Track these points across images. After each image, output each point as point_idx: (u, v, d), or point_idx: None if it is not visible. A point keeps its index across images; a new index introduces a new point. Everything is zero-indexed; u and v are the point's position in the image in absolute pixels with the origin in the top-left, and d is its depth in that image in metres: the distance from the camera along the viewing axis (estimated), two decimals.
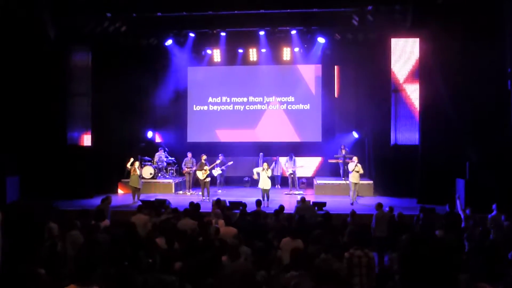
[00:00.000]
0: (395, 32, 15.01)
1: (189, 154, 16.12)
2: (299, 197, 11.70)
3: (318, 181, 16.43)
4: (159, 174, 16.97)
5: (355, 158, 14.09)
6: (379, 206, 10.10)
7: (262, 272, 5.14)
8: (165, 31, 16.48)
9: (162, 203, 11.13)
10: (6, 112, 14.23)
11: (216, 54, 18.21)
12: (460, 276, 4.21)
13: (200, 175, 14.80)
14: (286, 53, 17.87)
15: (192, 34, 16.80)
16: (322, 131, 18.63)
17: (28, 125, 14.49)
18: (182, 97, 19.20)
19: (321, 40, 16.67)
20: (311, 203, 11.75)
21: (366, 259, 5.86)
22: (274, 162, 17.00)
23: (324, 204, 12.00)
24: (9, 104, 14.30)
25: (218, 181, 16.88)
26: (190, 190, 16.15)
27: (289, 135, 18.80)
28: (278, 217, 9.45)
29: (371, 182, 15.78)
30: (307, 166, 17.60)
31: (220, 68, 18.95)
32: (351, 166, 14.01)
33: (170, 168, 17.68)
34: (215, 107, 19.22)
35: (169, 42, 16.96)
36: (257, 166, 15.57)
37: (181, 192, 16.38)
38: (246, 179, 18.03)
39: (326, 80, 18.56)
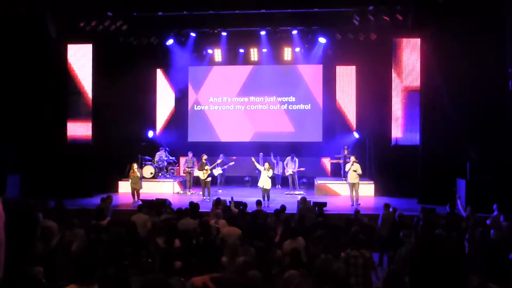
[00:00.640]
0: (396, 32, 15.01)
1: (190, 154, 16.12)
2: (299, 197, 11.69)
3: (318, 181, 16.42)
4: (160, 174, 16.95)
5: (352, 158, 14.05)
6: (386, 206, 10.14)
7: (256, 272, 5.11)
8: (166, 30, 16.50)
9: (163, 203, 11.13)
10: (6, 111, 14.23)
11: (217, 54, 18.21)
12: (470, 277, 4.18)
13: (201, 175, 14.78)
14: (287, 53, 17.87)
15: (193, 34, 16.81)
16: (323, 131, 18.61)
17: (28, 123, 14.47)
18: (183, 96, 19.21)
19: (322, 40, 16.68)
20: (311, 203, 11.75)
21: (362, 259, 5.85)
22: (275, 162, 17.01)
23: (324, 204, 12.00)
24: (9, 103, 14.31)
25: (218, 181, 16.87)
26: (191, 189, 16.14)
27: (290, 135, 18.78)
28: (279, 217, 9.44)
29: (372, 182, 15.76)
30: (307, 166, 17.56)
31: (221, 67, 18.94)
32: (347, 166, 13.98)
33: (170, 167, 17.67)
34: (216, 107, 19.22)
35: (170, 41, 16.97)
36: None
37: (181, 192, 16.37)
38: (247, 179, 18.02)
39: (327, 80, 18.54)
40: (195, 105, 19.29)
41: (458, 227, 9.18)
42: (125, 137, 16.84)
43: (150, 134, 18.31)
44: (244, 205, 10.87)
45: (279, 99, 18.92)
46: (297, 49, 17.69)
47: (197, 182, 15.93)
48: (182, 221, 8.49)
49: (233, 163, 16.59)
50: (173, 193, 16.03)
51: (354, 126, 17.91)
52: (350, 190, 13.88)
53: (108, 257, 5.48)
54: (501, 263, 3.51)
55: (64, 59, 15.42)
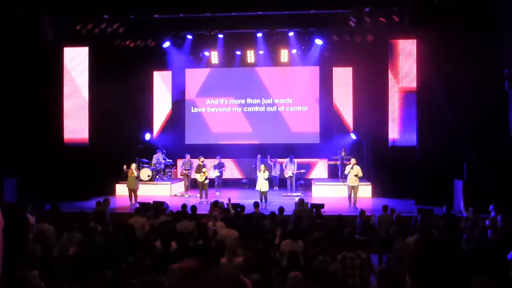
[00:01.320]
0: (392, 34, 15.04)
1: (187, 156, 16.09)
2: (297, 199, 11.69)
3: (316, 183, 16.42)
4: (157, 176, 16.91)
5: (352, 160, 13.92)
6: (384, 208, 10.17)
7: (257, 275, 5.11)
8: (163, 32, 16.49)
9: (160, 205, 11.11)
10: (3, 113, 14.18)
11: (214, 56, 18.21)
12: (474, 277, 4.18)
13: (199, 177, 14.75)
14: (284, 55, 17.87)
15: (189, 36, 16.82)
16: (320, 133, 18.63)
17: (25, 126, 14.43)
18: (180, 99, 19.20)
19: (318, 41, 16.71)
20: (309, 205, 11.75)
21: (358, 260, 5.85)
22: (272, 164, 17.01)
23: (322, 206, 11.98)
24: (6, 105, 14.26)
25: (216, 183, 16.85)
26: (188, 192, 16.11)
27: (287, 137, 18.78)
28: (275, 219, 9.43)
29: (369, 183, 15.77)
30: (305, 168, 17.57)
31: (218, 70, 18.94)
32: (347, 169, 13.87)
33: (168, 170, 17.64)
34: (213, 109, 19.21)
35: (166, 44, 16.96)
36: (255, 167, 15.53)
37: (178, 194, 16.34)
38: (244, 181, 18.01)
39: (323, 82, 18.57)
40: (192, 107, 19.28)
41: (455, 228, 9.20)
42: (122, 140, 16.84)
43: (147, 136, 18.28)
44: (242, 207, 10.88)
45: (276, 101, 18.93)
46: (294, 51, 17.71)
47: (194, 184, 15.92)
48: (180, 223, 8.49)
49: (227, 168, 16.54)
50: (171, 195, 16.01)
51: (351, 128, 17.93)
52: (349, 192, 13.81)
53: (106, 260, 5.47)
54: (499, 264, 3.52)
55: (61, 62, 15.38)
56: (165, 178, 17.30)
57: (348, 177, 13.76)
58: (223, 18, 15.19)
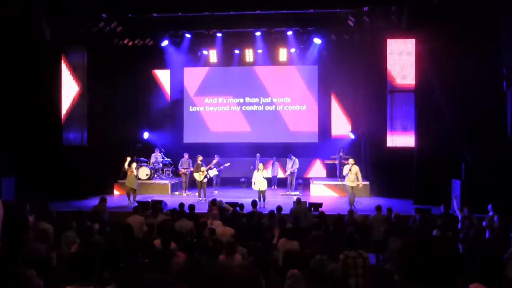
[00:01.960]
0: (391, 33, 15.05)
1: (186, 155, 16.08)
2: (295, 198, 11.71)
3: (314, 182, 16.45)
4: (155, 175, 16.93)
5: (350, 160, 13.85)
6: (378, 209, 10.16)
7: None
8: (161, 31, 16.48)
9: (158, 204, 11.12)
10: (1, 113, 14.15)
11: (212, 55, 18.21)
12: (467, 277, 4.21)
13: (197, 176, 14.76)
14: (282, 54, 17.88)
15: (188, 35, 16.81)
16: (318, 132, 18.65)
17: (23, 125, 14.38)
18: (178, 97, 19.19)
19: (317, 41, 16.72)
20: (307, 204, 11.76)
21: (361, 259, 5.87)
22: (271, 163, 17.02)
23: (320, 205, 12.00)
24: (4, 105, 14.22)
25: (214, 182, 16.88)
26: (187, 191, 16.11)
27: (286, 136, 18.80)
28: (274, 218, 9.45)
29: (367, 183, 15.79)
30: (303, 167, 17.57)
31: (216, 68, 18.94)
32: (345, 170, 13.82)
33: (166, 169, 17.65)
34: (211, 108, 19.21)
35: (165, 42, 16.95)
36: (254, 167, 15.51)
37: (177, 193, 16.34)
38: (243, 180, 18.03)
39: (322, 81, 18.58)
40: (190, 106, 19.28)
41: (453, 228, 9.23)
42: (121, 139, 16.82)
43: (146, 135, 18.28)
44: (241, 206, 10.89)
45: (275, 100, 18.94)
46: (292, 50, 17.72)
47: (193, 183, 15.93)
48: (179, 222, 8.51)
49: (228, 164, 16.55)
50: (169, 194, 16.01)
51: (350, 127, 17.94)
52: (348, 193, 13.69)
53: (105, 259, 5.48)
54: (495, 264, 3.53)
55: (59, 61, 15.34)
56: (164, 177, 17.31)
57: (347, 177, 13.78)
58: (222, 17, 15.19)
